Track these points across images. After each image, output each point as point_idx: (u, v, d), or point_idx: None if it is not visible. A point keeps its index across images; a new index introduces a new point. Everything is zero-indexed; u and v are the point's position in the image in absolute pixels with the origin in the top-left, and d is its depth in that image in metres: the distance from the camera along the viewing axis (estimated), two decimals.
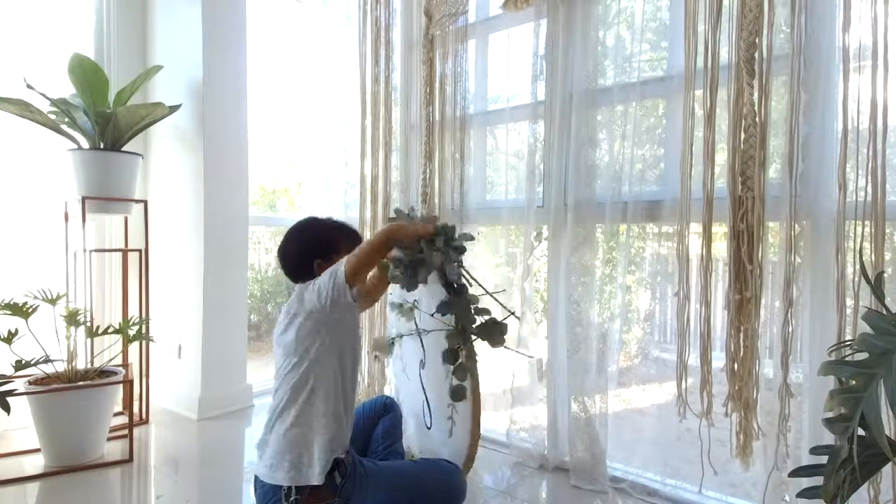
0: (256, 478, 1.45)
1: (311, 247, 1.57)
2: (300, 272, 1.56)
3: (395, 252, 1.56)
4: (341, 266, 1.43)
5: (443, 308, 1.55)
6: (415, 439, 1.97)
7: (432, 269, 1.54)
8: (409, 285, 1.54)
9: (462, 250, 1.62)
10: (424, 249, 1.52)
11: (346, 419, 1.49)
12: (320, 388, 1.43)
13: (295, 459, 1.39)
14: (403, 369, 2.09)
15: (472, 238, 1.69)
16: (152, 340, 2.44)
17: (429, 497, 1.53)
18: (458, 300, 1.54)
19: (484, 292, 1.64)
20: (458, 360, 1.51)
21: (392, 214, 1.94)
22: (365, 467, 1.49)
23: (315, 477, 1.37)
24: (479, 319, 1.54)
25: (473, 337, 1.55)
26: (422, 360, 1.90)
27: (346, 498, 1.42)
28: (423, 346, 1.87)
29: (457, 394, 1.55)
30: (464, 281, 1.60)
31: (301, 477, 1.37)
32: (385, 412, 1.84)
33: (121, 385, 2.17)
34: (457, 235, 1.63)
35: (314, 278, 1.49)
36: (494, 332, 1.51)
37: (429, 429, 1.91)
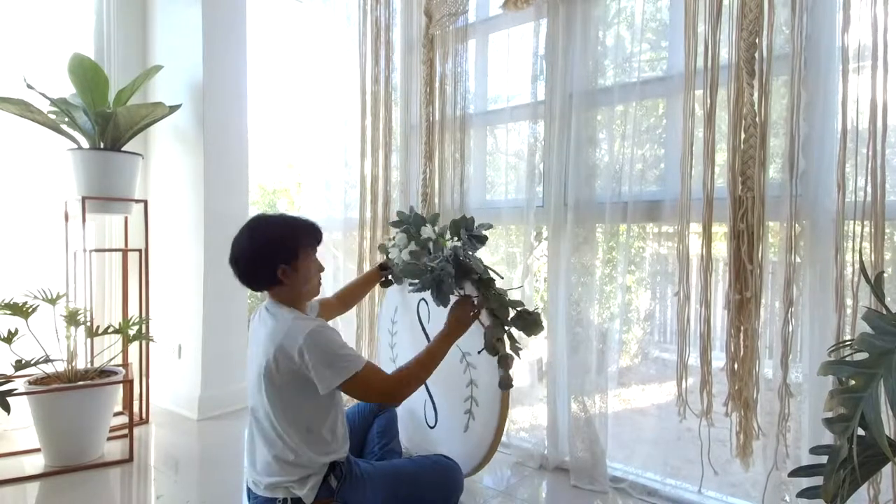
0: (249, 489, 1.46)
1: (270, 252, 1.40)
2: (260, 282, 1.44)
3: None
4: (348, 375, 1.33)
5: (483, 304, 1.60)
6: (405, 435, 1.97)
7: (453, 286, 1.60)
8: (442, 302, 1.61)
9: (484, 239, 1.70)
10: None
11: (341, 431, 1.48)
12: (311, 423, 1.41)
13: (290, 478, 1.38)
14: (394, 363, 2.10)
15: (490, 226, 1.76)
16: (152, 340, 2.44)
17: (427, 494, 1.52)
18: (492, 294, 1.59)
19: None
20: (499, 351, 1.58)
21: (395, 218, 1.98)
22: (361, 468, 1.48)
23: (306, 496, 1.37)
24: (512, 311, 1.61)
25: (508, 328, 1.62)
26: None
27: (344, 500, 1.42)
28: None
29: (504, 383, 1.60)
30: (491, 274, 1.65)
31: (296, 493, 1.38)
32: (380, 411, 1.83)
33: (121, 385, 2.17)
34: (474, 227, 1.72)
35: (278, 285, 1.42)
36: (531, 323, 1.58)
37: (431, 428, 1.91)
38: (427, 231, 1.81)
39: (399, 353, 2.10)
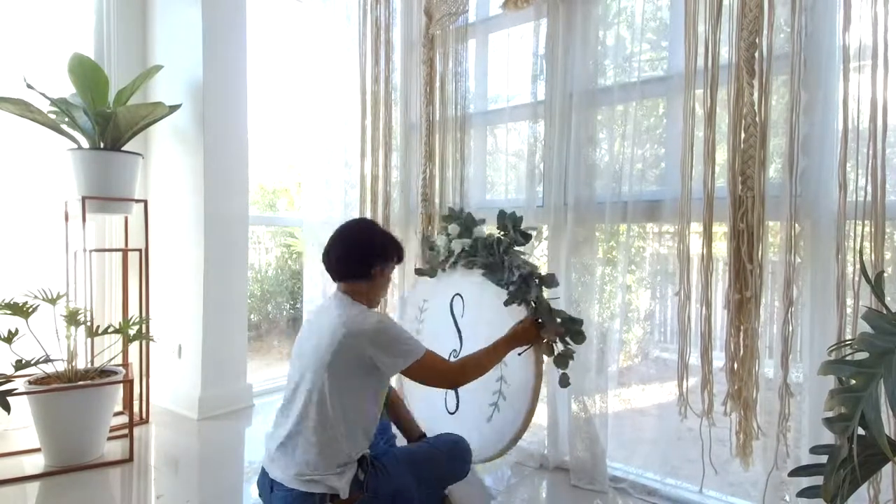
0: (274, 481, 1.44)
1: (375, 250, 1.56)
2: (353, 272, 1.55)
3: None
4: (412, 360, 1.46)
5: (538, 314, 1.73)
6: (422, 420, 2.01)
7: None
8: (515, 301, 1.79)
9: (529, 237, 1.89)
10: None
11: (373, 428, 1.54)
12: (357, 416, 1.46)
13: (329, 470, 1.40)
14: None
15: (538, 229, 1.96)
16: (152, 340, 2.44)
17: (446, 468, 1.64)
18: (543, 301, 1.74)
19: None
20: (555, 352, 1.73)
21: (445, 213, 2.16)
22: (381, 461, 1.53)
23: (343, 489, 1.40)
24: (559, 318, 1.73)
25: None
26: (455, 350, 2.02)
27: (374, 492, 1.46)
28: (461, 338, 2.01)
29: (562, 382, 1.74)
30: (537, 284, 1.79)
31: (334, 485, 1.40)
32: None
33: (121, 385, 2.17)
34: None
35: (364, 280, 1.54)
36: (575, 331, 1.71)
37: (451, 413, 2.00)
38: (479, 231, 1.98)
39: (423, 339, 2.13)
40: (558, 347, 1.74)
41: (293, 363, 1.55)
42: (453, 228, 2.05)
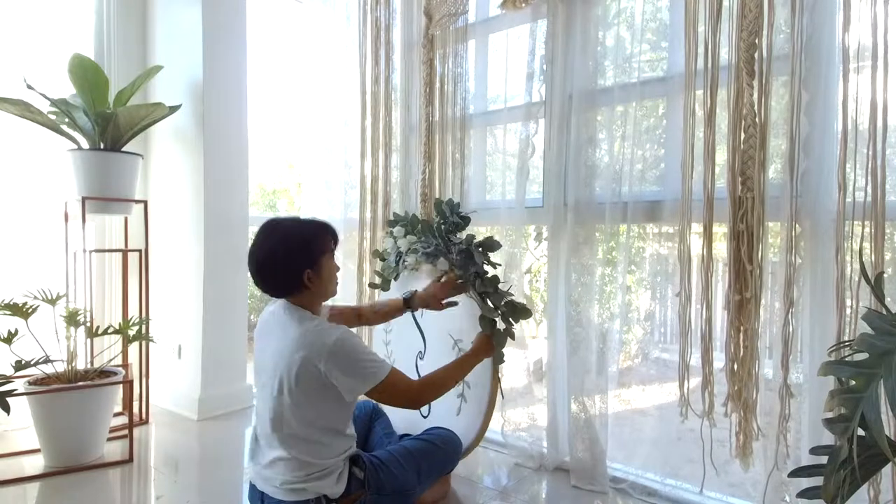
0: (264, 494, 1.43)
1: (296, 258, 1.39)
2: (287, 289, 1.43)
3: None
4: (374, 382, 1.37)
5: (480, 286, 1.77)
6: (397, 425, 2.02)
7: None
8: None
9: (468, 219, 1.93)
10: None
11: (351, 426, 1.54)
12: (333, 422, 1.44)
13: (311, 477, 1.39)
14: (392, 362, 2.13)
15: (474, 211, 2.04)
16: (152, 340, 2.44)
17: (440, 459, 1.67)
18: (488, 278, 1.78)
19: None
20: (496, 328, 1.77)
21: (391, 217, 2.11)
22: (379, 457, 1.54)
23: (333, 490, 1.40)
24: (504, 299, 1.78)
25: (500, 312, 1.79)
26: (420, 352, 1.97)
27: (378, 488, 1.46)
28: (423, 338, 2.01)
29: (497, 358, 1.79)
30: (486, 267, 1.83)
31: (320, 491, 1.39)
32: (376, 416, 1.90)
33: (121, 385, 2.17)
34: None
35: (303, 290, 1.42)
36: (520, 308, 1.78)
37: (424, 417, 2.00)
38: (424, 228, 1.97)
39: (394, 349, 2.14)
40: (501, 325, 1.77)
41: (256, 377, 1.50)
42: (398, 231, 2.06)
